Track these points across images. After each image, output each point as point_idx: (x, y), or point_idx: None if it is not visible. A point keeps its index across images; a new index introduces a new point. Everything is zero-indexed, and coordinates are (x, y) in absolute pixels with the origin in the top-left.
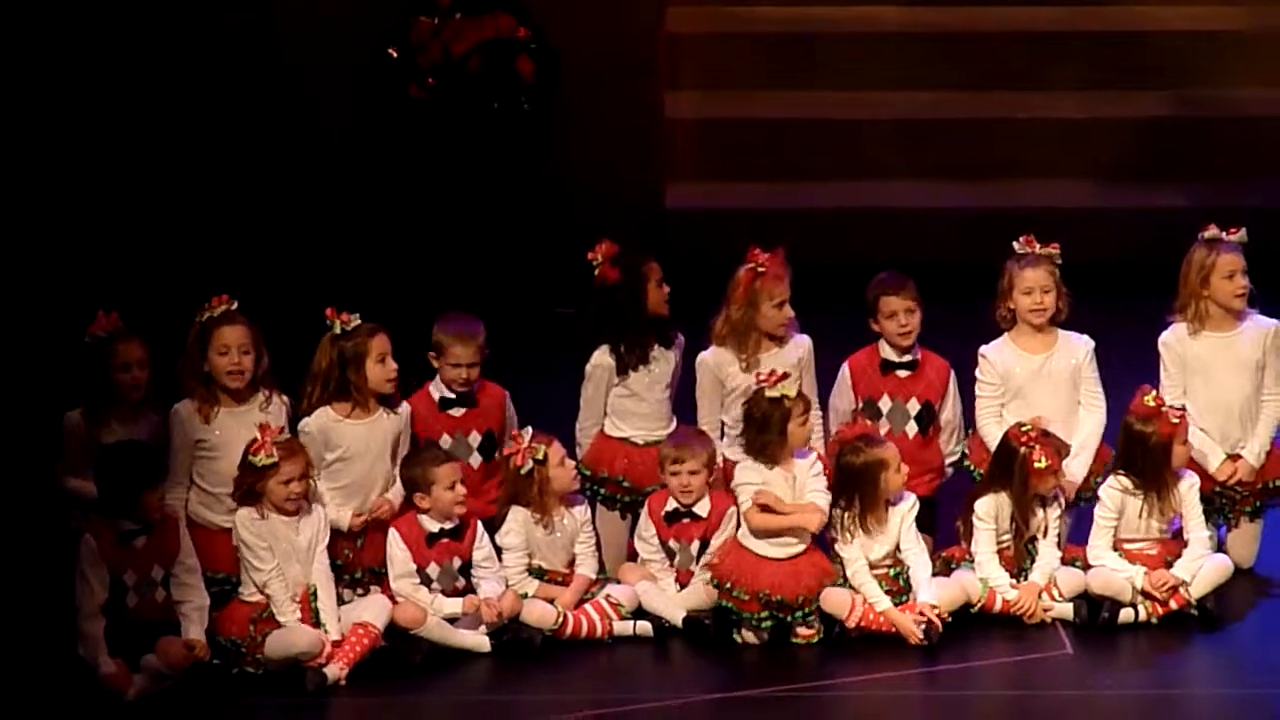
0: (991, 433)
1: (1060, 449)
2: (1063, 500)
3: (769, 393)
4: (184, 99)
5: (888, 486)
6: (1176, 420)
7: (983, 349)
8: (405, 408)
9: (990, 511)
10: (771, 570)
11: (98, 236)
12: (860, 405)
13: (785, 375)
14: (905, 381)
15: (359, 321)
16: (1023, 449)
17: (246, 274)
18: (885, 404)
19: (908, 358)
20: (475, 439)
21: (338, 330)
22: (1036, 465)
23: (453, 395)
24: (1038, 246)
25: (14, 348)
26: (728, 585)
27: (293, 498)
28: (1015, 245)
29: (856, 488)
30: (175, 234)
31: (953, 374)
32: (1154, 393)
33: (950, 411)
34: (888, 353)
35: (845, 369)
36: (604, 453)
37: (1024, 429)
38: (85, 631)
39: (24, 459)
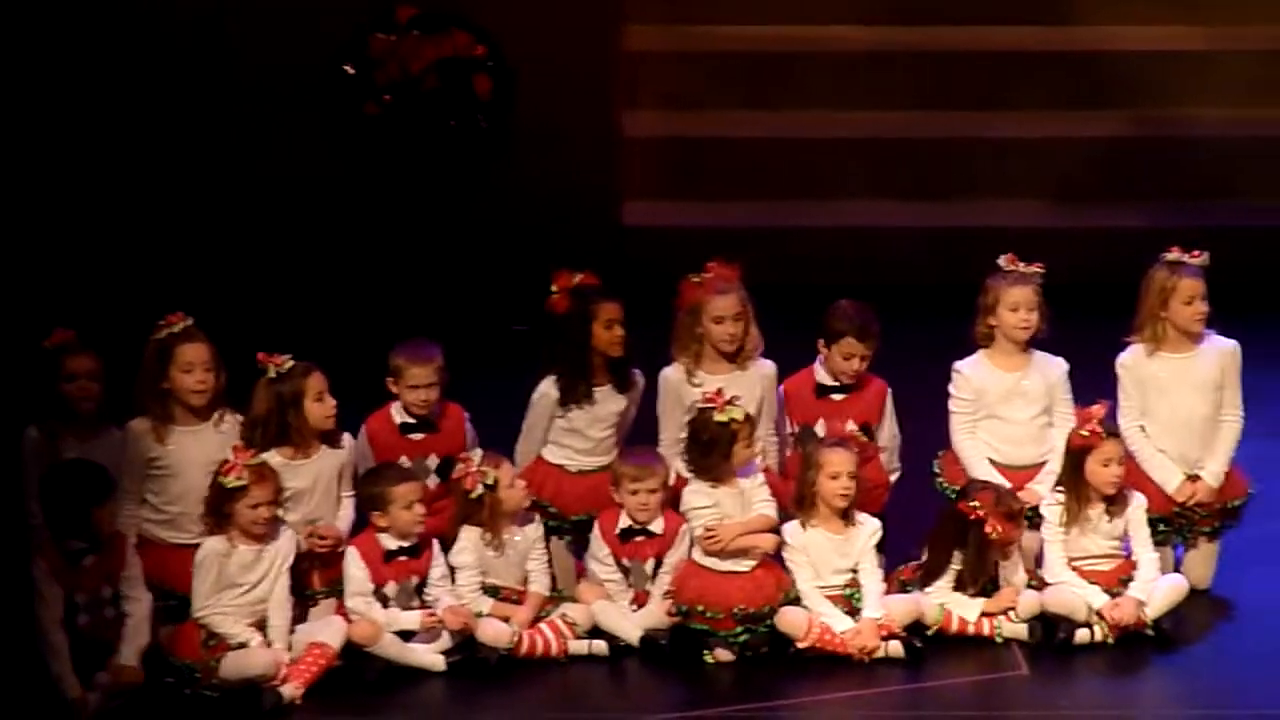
0: (965, 449)
1: (1013, 509)
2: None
3: (717, 416)
4: (134, 112)
5: (820, 489)
6: (1087, 433)
7: (957, 364)
8: (348, 439)
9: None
10: (737, 584)
11: (53, 250)
12: (796, 430)
13: (734, 398)
14: (841, 404)
15: (292, 362)
16: (974, 520)
17: (198, 291)
18: (821, 428)
19: (842, 381)
20: (433, 462)
21: (272, 374)
22: (992, 538)
23: (413, 420)
24: (1021, 265)
25: None
26: (698, 608)
27: (260, 522)
28: (1000, 262)
29: (807, 483)
30: (128, 249)
31: (890, 394)
32: (1091, 408)
33: (888, 432)
34: (823, 377)
35: (779, 392)
36: (534, 477)
37: (973, 503)
38: (52, 642)
39: None
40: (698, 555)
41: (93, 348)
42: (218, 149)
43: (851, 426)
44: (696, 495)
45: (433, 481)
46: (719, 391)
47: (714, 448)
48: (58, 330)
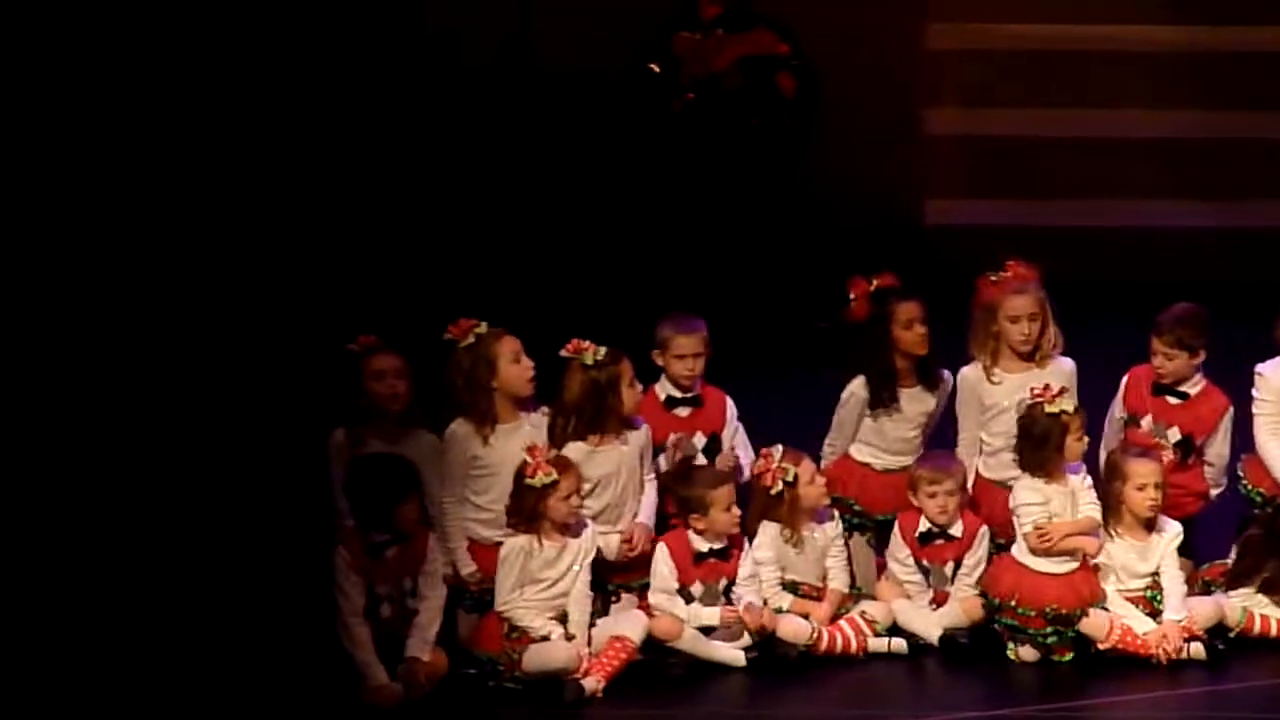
0: (1270, 451)
1: None
2: None
3: (1048, 408)
4: (439, 115)
5: (1125, 499)
6: None
7: (1259, 367)
8: (644, 424)
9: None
10: (1054, 585)
11: (352, 257)
12: (1125, 416)
13: (1063, 390)
14: (1172, 408)
15: (604, 350)
16: None
17: (490, 291)
18: (1147, 423)
19: (1182, 388)
20: (700, 441)
21: (589, 360)
22: None
23: (679, 394)
24: None
25: (281, 363)
26: (1011, 603)
27: (573, 512)
28: None
29: (1115, 490)
30: (429, 249)
31: (1230, 412)
32: None
33: (1219, 449)
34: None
35: (1124, 379)
36: (841, 473)
37: None
38: (353, 632)
39: (293, 473)
40: (1019, 552)
41: (398, 349)
42: (522, 147)
43: (1175, 433)
44: (1028, 491)
45: (699, 462)
46: (1047, 386)
47: (1046, 441)
48: (361, 335)
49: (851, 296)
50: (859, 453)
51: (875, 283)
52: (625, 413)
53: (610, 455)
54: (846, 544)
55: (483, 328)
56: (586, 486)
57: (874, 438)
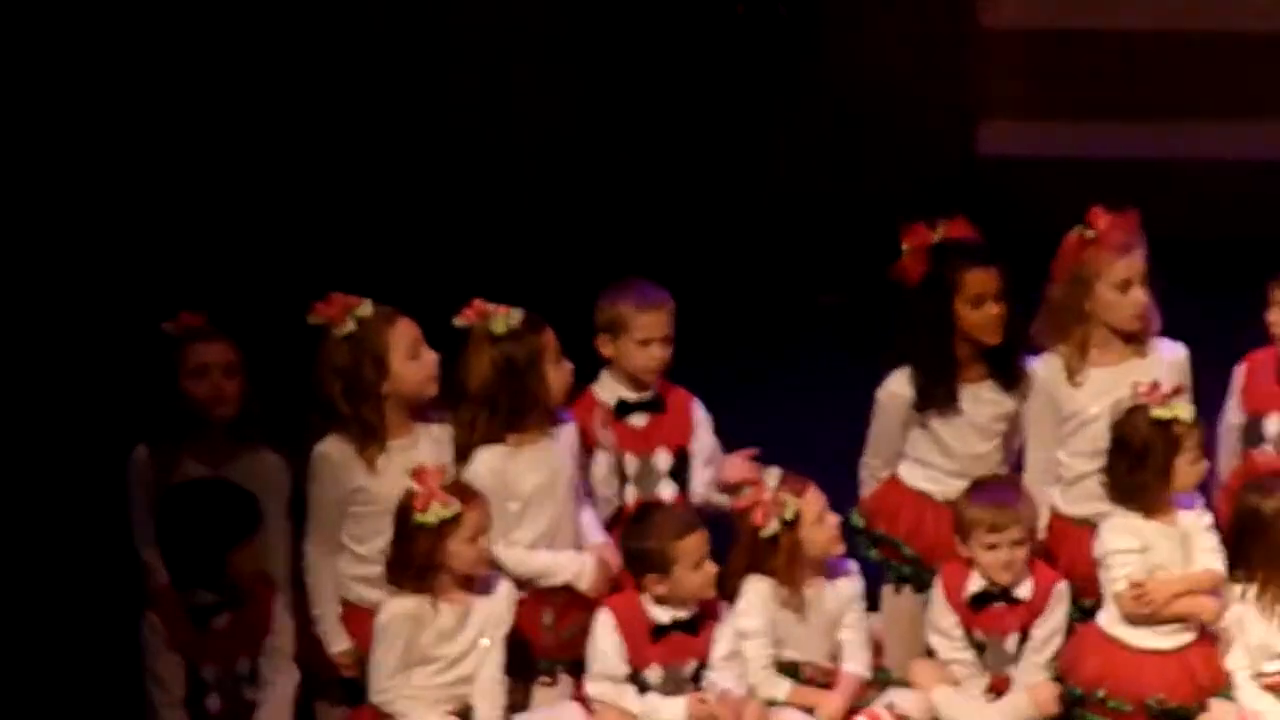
0: None
1: None
2: None
3: (1154, 412)
4: (363, 74)
5: None
6: None
7: None
8: (570, 416)
9: None
10: (1161, 666)
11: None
12: (1245, 422)
13: (1177, 390)
14: None
15: (518, 314)
16: None
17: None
18: (1273, 424)
19: None
20: (665, 460)
21: (499, 328)
22: None
23: (633, 397)
24: None
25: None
26: (1098, 693)
27: (484, 560)
28: None
29: (1256, 545)
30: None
31: None
32: None
33: None
34: None
35: (1239, 369)
36: (888, 502)
37: None
38: None
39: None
40: (1108, 620)
41: (231, 337)
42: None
43: None
44: (1120, 533)
45: (668, 492)
46: (1156, 383)
47: (1146, 459)
48: (184, 313)
49: (904, 248)
50: (912, 475)
51: (940, 232)
52: (552, 400)
53: (540, 457)
54: (874, 606)
55: (367, 308)
56: (514, 506)
57: (934, 454)
